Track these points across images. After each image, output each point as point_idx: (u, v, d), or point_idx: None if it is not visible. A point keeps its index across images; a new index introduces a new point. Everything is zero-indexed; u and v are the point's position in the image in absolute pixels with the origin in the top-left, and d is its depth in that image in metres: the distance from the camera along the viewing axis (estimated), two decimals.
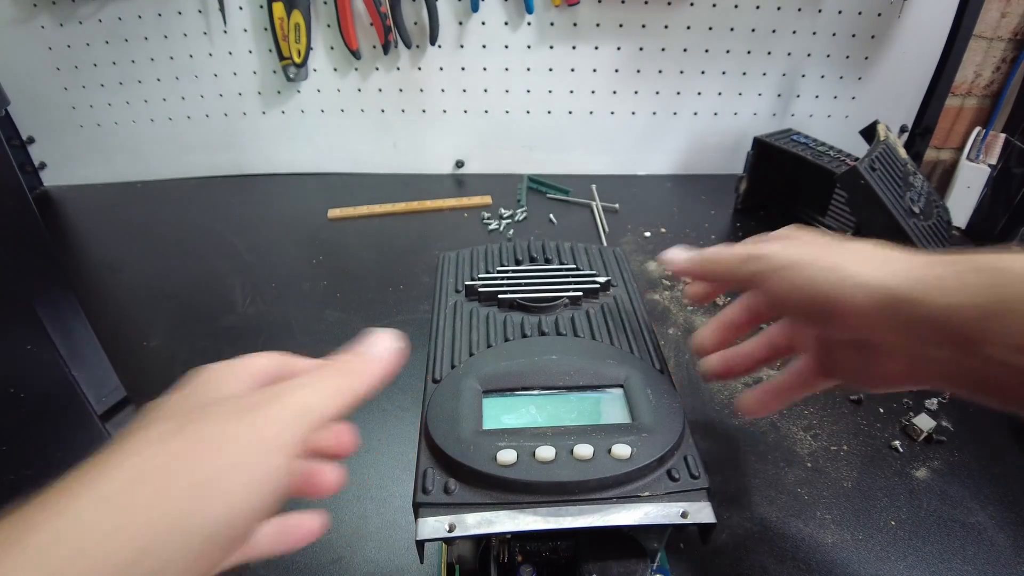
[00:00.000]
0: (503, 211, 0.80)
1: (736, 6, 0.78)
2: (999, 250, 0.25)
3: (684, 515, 0.27)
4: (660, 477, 0.28)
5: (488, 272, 0.43)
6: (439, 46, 0.81)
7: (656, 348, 0.36)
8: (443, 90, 0.85)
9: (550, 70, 0.83)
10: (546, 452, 0.28)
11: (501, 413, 0.31)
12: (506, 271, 0.43)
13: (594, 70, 0.83)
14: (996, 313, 0.23)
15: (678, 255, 0.36)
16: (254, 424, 0.21)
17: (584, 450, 0.28)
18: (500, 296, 0.40)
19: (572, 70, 0.83)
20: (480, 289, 0.41)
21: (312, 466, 0.25)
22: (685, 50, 0.81)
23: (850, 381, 0.33)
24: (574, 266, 0.44)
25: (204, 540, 0.19)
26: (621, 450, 0.28)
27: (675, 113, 0.87)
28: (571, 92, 0.85)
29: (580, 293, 0.40)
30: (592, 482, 0.27)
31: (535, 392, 0.32)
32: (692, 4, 0.78)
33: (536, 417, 0.31)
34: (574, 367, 0.33)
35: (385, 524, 0.42)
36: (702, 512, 0.27)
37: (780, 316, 0.35)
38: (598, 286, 0.41)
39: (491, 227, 0.77)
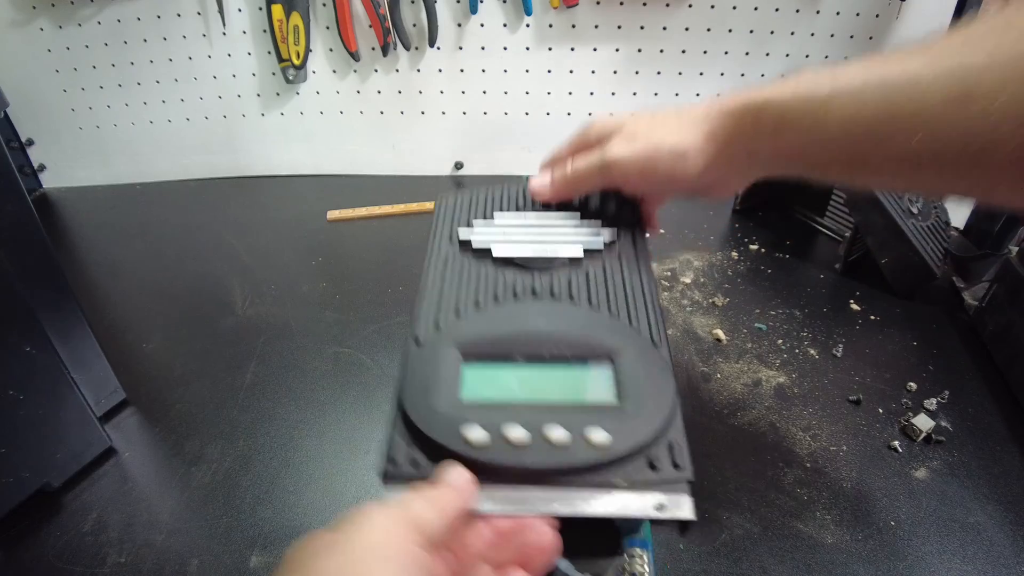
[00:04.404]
0: None
1: (734, 8, 0.78)
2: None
3: (660, 508, 0.26)
4: (640, 465, 0.27)
5: (487, 218, 0.41)
6: (438, 48, 0.81)
7: (656, 317, 0.34)
8: (442, 92, 0.85)
9: (549, 72, 0.83)
10: (519, 434, 0.27)
11: (479, 384, 0.30)
12: (505, 220, 0.41)
13: (592, 72, 0.83)
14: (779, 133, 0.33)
15: (541, 184, 0.42)
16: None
17: (559, 434, 0.27)
18: (494, 255, 0.38)
19: (571, 72, 0.83)
20: (474, 246, 0.38)
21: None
22: (683, 52, 0.81)
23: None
24: (579, 216, 0.41)
25: None
26: (599, 436, 0.27)
27: None
28: (570, 94, 0.85)
29: (580, 255, 0.37)
30: (565, 469, 0.26)
31: (518, 362, 0.31)
32: (690, 6, 0.78)
33: (516, 391, 0.30)
34: (563, 337, 0.32)
35: None
36: (681, 507, 0.26)
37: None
38: (602, 248, 0.38)
39: None
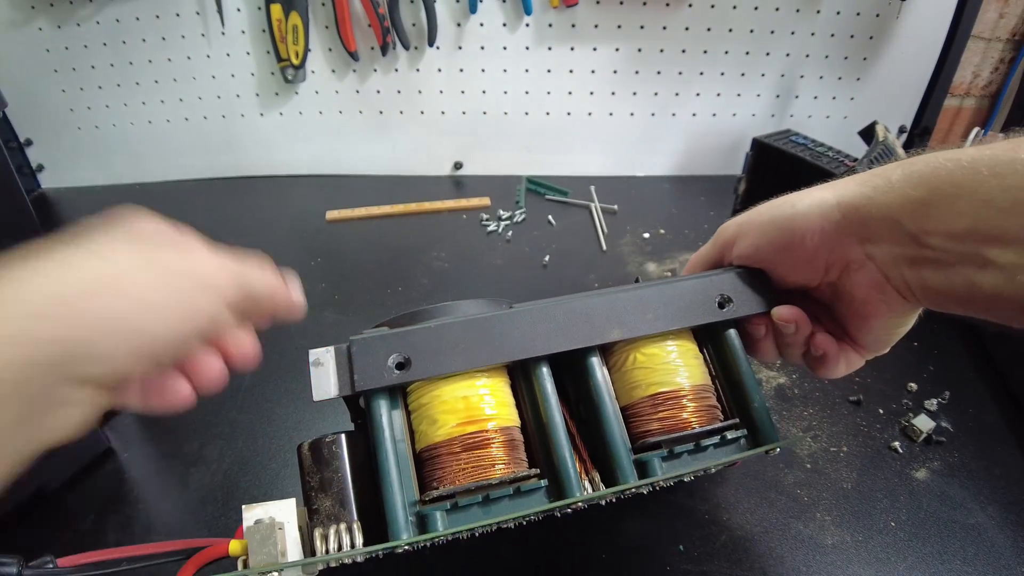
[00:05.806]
0: (502, 212, 0.80)
1: (734, 7, 0.78)
2: (936, 149, 0.27)
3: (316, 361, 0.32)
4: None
5: None
6: (437, 47, 0.81)
7: None
8: (441, 91, 0.85)
9: (548, 71, 0.83)
10: None
11: None
12: None
13: (592, 71, 0.83)
14: (929, 202, 0.26)
15: None
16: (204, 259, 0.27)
17: None
18: None
19: (570, 71, 0.83)
20: None
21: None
22: (683, 51, 0.81)
23: (846, 325, 0.34)
24: None
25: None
26: None
27: (674, 114, 0.87)
28: (569, 93, 0.85)
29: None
30: None
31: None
32: (690, 5, 0.78)
33: None
34: None
35: None
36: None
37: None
38: None
39: (489, 228, 0.77)
